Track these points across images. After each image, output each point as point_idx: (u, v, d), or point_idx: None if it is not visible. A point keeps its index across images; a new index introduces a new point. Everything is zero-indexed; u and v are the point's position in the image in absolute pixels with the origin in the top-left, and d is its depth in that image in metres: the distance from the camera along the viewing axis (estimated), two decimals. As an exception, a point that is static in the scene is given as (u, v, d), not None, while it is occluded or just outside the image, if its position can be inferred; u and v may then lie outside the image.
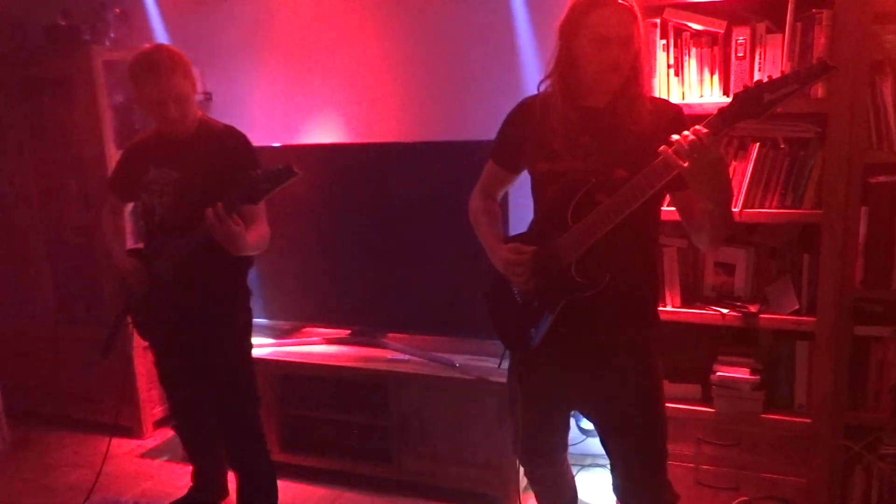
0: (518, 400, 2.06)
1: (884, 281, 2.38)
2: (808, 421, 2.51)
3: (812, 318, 2.46)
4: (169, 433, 3.62)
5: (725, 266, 2.65)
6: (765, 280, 2.63)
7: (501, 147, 2.07)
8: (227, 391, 2.57)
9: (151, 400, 3.70)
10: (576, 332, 1.91)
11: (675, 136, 1.66)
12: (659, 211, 1.95)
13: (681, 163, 1.65)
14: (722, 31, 2.46)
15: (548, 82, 1.89)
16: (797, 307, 2.50)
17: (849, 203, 2.36)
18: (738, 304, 2.59)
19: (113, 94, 3.45)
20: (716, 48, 2.48)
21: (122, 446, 3.53)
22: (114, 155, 3.43)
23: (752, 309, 2.55)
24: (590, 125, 1.86)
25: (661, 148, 1.68)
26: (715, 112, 1.66)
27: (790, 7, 2.35)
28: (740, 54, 2.45)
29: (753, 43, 2.43)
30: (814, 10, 2.32)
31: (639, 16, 1.80)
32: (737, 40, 2.44)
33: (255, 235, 2.34)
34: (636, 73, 1.83)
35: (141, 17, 3.60)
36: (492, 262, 2.02)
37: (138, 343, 2.96)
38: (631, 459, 2.01)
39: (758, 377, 2.57)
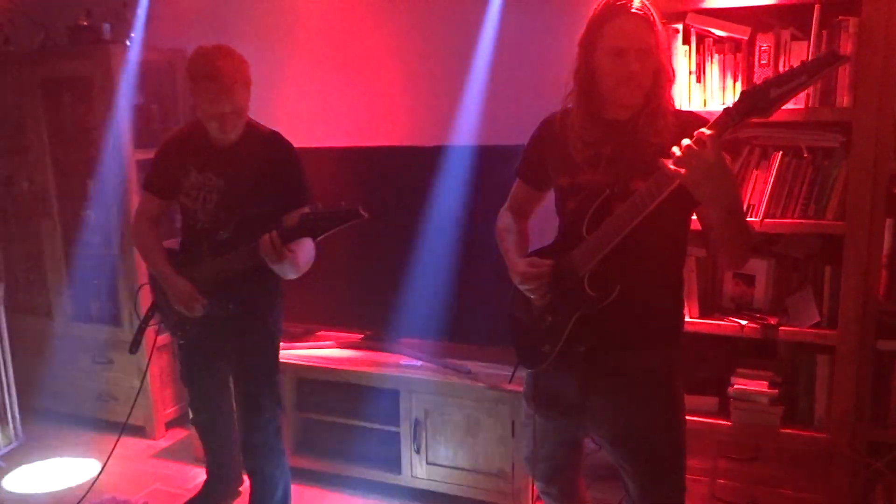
0: (530, 415, 2.02)
1: (909, 295, 2.33)
2: (828, 436, 2.46)
3: (834, 332, 2.41)
4: (181, 434, 3.63)
5: (745, 277, 2.61)
6: (785, 292, 2.58)
7: (526, 165, 2.05)
8: (255, 391, 2.55)
9: (164, 400, 3.71)
10: (591, 349, 1.86)
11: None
12: (684, 227, 1.88)
13: (678, 170, 1.60)
14: (746, 38, 2.42)
15: (570, 98, 1.86)
16: (818, 320, 2.45)
17: (873, 214, 2.31)
18: (758, 315, 2.55)
19: (134, 95, 3.46)
20: (739, 55, 2.45)
21: (133, 446, 3.53)
22: (131, 156, 3.46)
23: (772, 321, 2.51)
24: (611, 138, 1.82)
25: (663, 161, 1.63)
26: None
27: (816, 14, 2.31)
28: (764, 61, 2.41)
29: (778, 50, 2.40)
30: (840, 18, 2.28)
31: (659, 27, 1.75)
32: (760, 47, 2.41)
33: (305, 259, 2.31)
34: (659, 85, 1.78)
35: (162, 17, 3.60)
36: (511, 276, 1.98)
37: (153, 343, 2.97)
38: (647, 489, 1.92)
39: (776, 390, 2.53)
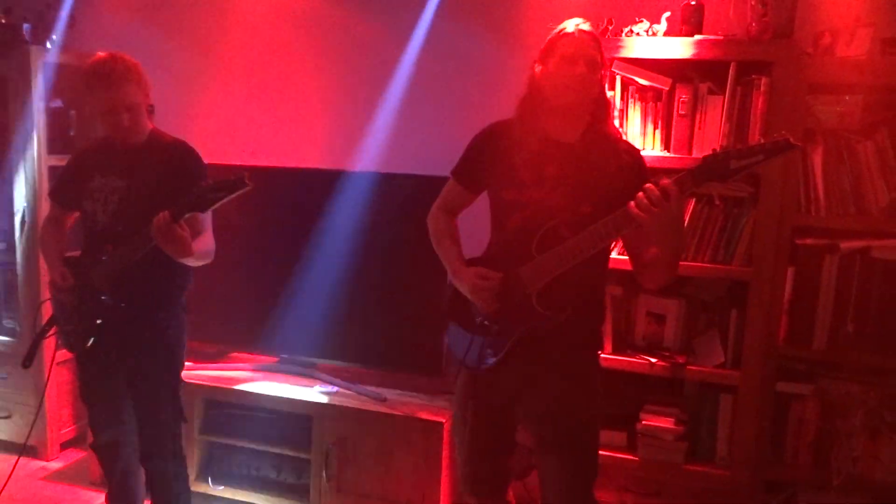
0: (466, 419, 2.10)
1: (806, 340, 2.46)
2: (729, 474, 2.55)
3: (737, 372, 2.52)
4: (77, 456, 3.45)
5: (657, 316, 2.70)
6: (693, 332, 2.69)
7: (466, 167, 2.10)
8: (154, 406, 2.48)
9: (61, 419, 3.52)
10: (532, 353, 1.98)
11: (641, 191, 1.76)
12: (610, 246, 2.07)
13: (643, 215, 1.75)
14: (667, 88, 2.54)
15: (517, 109, 1.97)
16: (723, 360, 2.56)
17: (777, 262, 2.44)
18: (667, 353, 2.64)
19: (50, 99, 3.34)
20: (660, 104, 2.56)
21: (25, 467, 3.33)
22: (44, 160, 3.32)
23: (680, 360, 2.60)
24: (557, 158, 1.93)
25: (629, 204, 1.77)
26: (684, 170, 1.78)
27: (731, 72, 2.44)
28: (682, 112, 2.53)
29: (695, 102, 2.52)
30: (753, 76, 2.42)
31: (603, 58, 1.93)
32: (680, 98, 2.53)
33: (201, 244, 2.31)
34: (601, 109, 1.94)
35: (86, 22, 3.50)
36: (452, 281, 2.07)
37: (50, 358, 2.83)
38: (564, 475, 2.05)
39: (682, 427, 2.61)
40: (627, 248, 2.03)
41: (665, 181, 1.75)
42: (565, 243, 1.87)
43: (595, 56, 1.89)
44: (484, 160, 2.04)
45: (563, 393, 2.01)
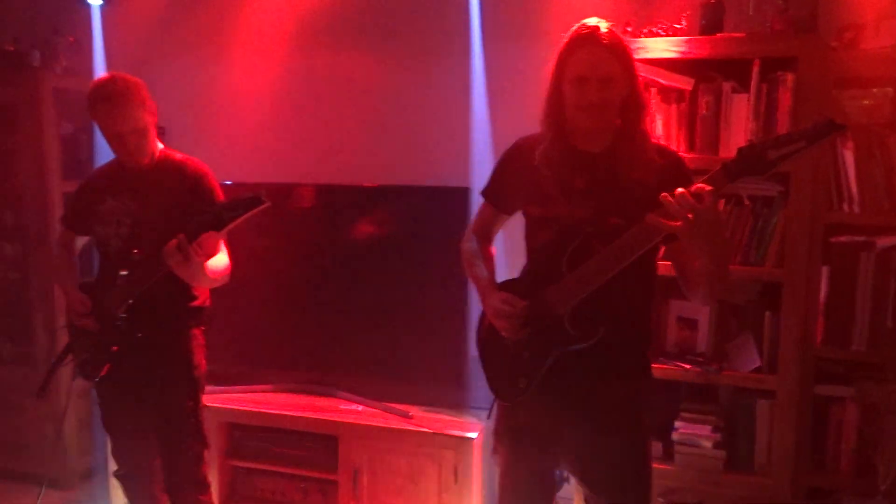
0: (502, 453, 1.99)
1: (844, 341, 2.40)
2: (769, 481, 2.48)
3: (774, 377, 2.45)
4: (97, 485, 3.39)
5: (688, 321, 2.64)
6: (726, 337, 2.62)
7: (495, 188, 2.02)
8: (179, 435, 2.42)
9: (81, 448, 3.47)
10: (568, 383, 1.85)
11: (672, 194, 1.61)
12: (655, 260, 1.89)
13: (672, 223, 1.60)
14: (689, 88, 2.49)
15: (541, 125, 1.87)
16: (759, 364, 2.50)
17: (811, 262, 2.38)
18: (700, 359, 2.57)
19: (61, 124, 3.31)
20: (682, 105, 2.51)
21: (46, 498, 3.27)
22: (57, 187, 3.29)
23: (714, 366, 2.53)
24: (584, 170, 1.83)
25: (648, 216, 1.63)
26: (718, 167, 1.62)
27: (755, 69, 2.40)
28: (706, 112, 2.48)
29: (719, 101, 2.47)
30: (778, 73, 2.37)
31: (628, 55, 1.78)
32: (703, 98, 2.48)
33: (216, 267, 2.27)
34: (632, 113, 1.80)
35: (95, 46, 3.48)
36: (483, 307, 1.97)
37: (69, 387, 2.80)
38: None
39: (718, 435, 2.54)
40: (673, 262, 1.87)
41: (698, 184, 1.61)
42: (593, 259, 1.75)
43: (610, 70, 1.74)
44: (512, 177, 1.96)
45: (606, 430, 1.85)
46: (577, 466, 1.95)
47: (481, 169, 2.99)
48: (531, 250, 1.96)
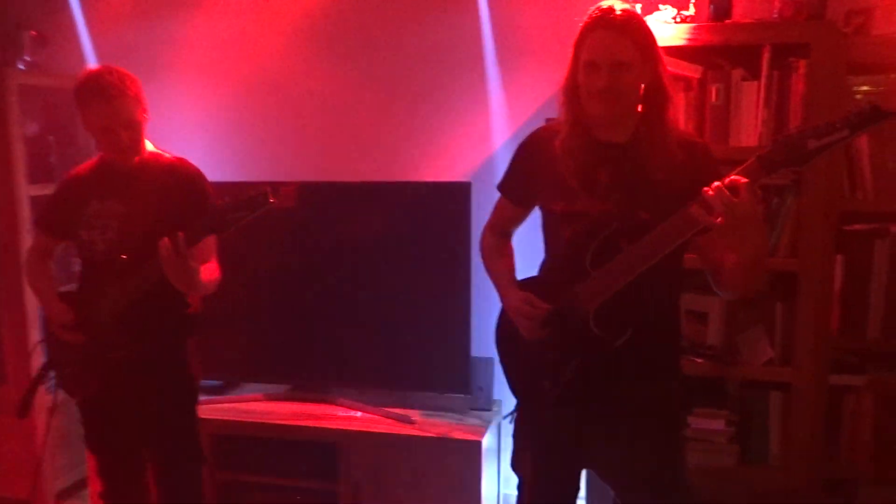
0: (526, 457, 1.90)
1: (860, 330, 2.38)
2: (785, 475, 2.45)
3: (788, 369, 2.42)
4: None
5: (698, 314, 2.58)
6: (736, 329, 2.57)
7: (513, 183, 1.93)
8: (175, 453, 2.31)
9: (55, 468, 3.27)
10: (594, 386, 1.77)
11: (706, 187, 1.55)
12: (682, 257, 1.81)
13: (712, 220, 1.54)
14: (698, 76, 2.44)
15: (559, 113, 1.78)
16: (771, 356, 2.46)
17: (825, 251, 2.35)
18: (711, 352, 2.52)
19: (26, 124, 3.10)
20: (690, 93, 2.46)
21: (19, 522, 3.08)
22: (24, 192, 3.08)
23: (726, 358, 2.49)
24: (607, 162, 1.74)
25: (690, 207, 1.57)
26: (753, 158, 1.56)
27: (765, 56, 2.35)
28: (715, 101, 2.43)
29: (728, 90, 2.42)
30: (791, 60, 2.33)
31: (648, 41, 1.70)
32: (712, 86, 2.42)
33: (208, 274, 2.16)
34: (654, 102, 1.72)
35: (60, 41, 3.28)
36: (503, 306, 1.89)
37: (44, 403, 2.62)
38: None
39: (732, 429, 2.50)
40: (700, 256, 1.80)
41: (733, 176, 1.55)
42: (620, 256, 1.68)
43: (624, 55, 1.65)
44: (530, 171, 1.87)
45: (638, 436, 1.79)
46: (608, 473, 1.89)
47: (483, 164, 2.92)
48: (551, 247, 1.88)
